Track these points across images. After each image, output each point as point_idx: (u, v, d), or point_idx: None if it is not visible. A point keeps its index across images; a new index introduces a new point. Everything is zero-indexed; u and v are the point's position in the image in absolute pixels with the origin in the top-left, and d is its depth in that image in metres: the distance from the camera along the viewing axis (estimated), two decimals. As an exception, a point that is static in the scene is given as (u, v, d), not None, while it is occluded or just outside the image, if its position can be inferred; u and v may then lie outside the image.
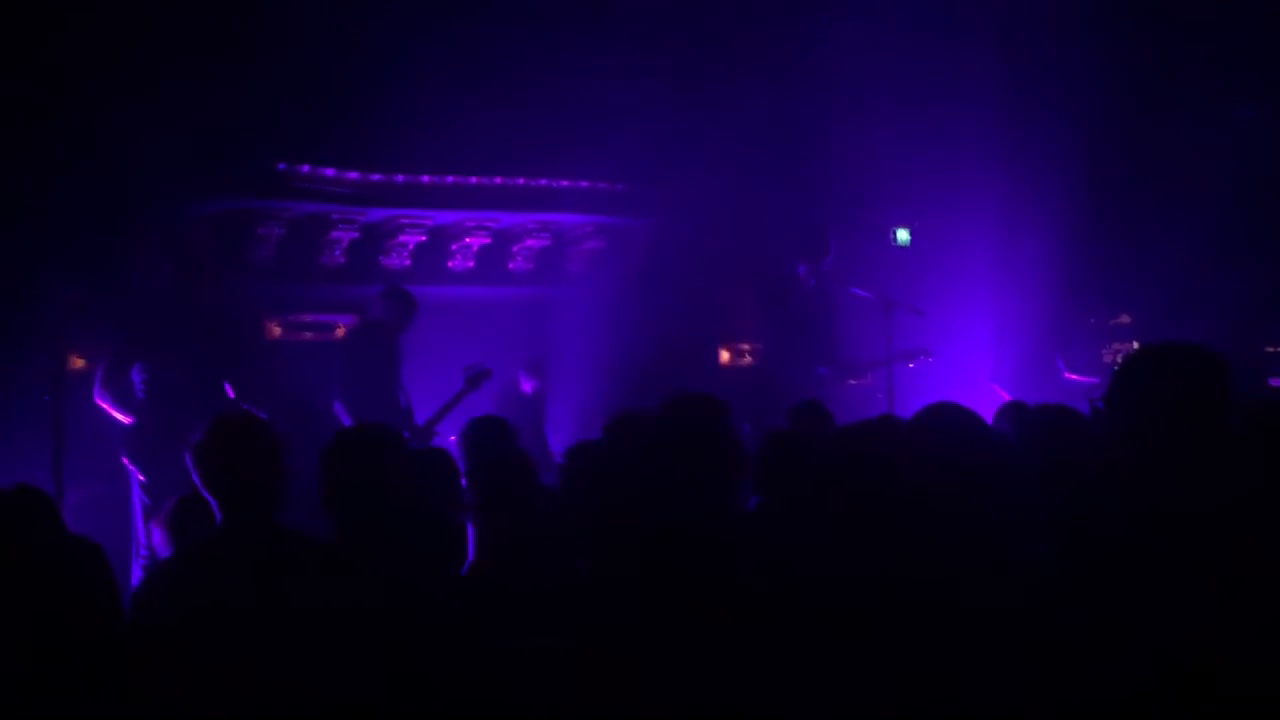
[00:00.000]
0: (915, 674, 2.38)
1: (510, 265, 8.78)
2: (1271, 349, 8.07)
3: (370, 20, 7.56)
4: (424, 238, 8.39)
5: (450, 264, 8.58)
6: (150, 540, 3.96)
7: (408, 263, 8.40)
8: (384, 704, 2.72)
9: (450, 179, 8.17)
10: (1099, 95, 8.46)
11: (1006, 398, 7.68)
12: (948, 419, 2.75)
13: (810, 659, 2.53)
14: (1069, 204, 8.41)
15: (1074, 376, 7.75)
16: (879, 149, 8.38)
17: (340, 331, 7.86)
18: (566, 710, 2.64)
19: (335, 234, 8.10)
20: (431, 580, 3.05)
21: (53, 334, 6.12)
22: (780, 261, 7.18)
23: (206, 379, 5.35)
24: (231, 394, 5.40)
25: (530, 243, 8.72)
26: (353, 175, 7.91)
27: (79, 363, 6.62)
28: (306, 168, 7.75)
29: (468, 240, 8.55)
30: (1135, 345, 8.36)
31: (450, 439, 6.90)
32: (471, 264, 8.64)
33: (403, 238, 8.32)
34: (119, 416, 5.32)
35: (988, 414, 3.93)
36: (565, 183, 8.45)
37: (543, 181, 8.40)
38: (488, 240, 8.60)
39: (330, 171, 7.84)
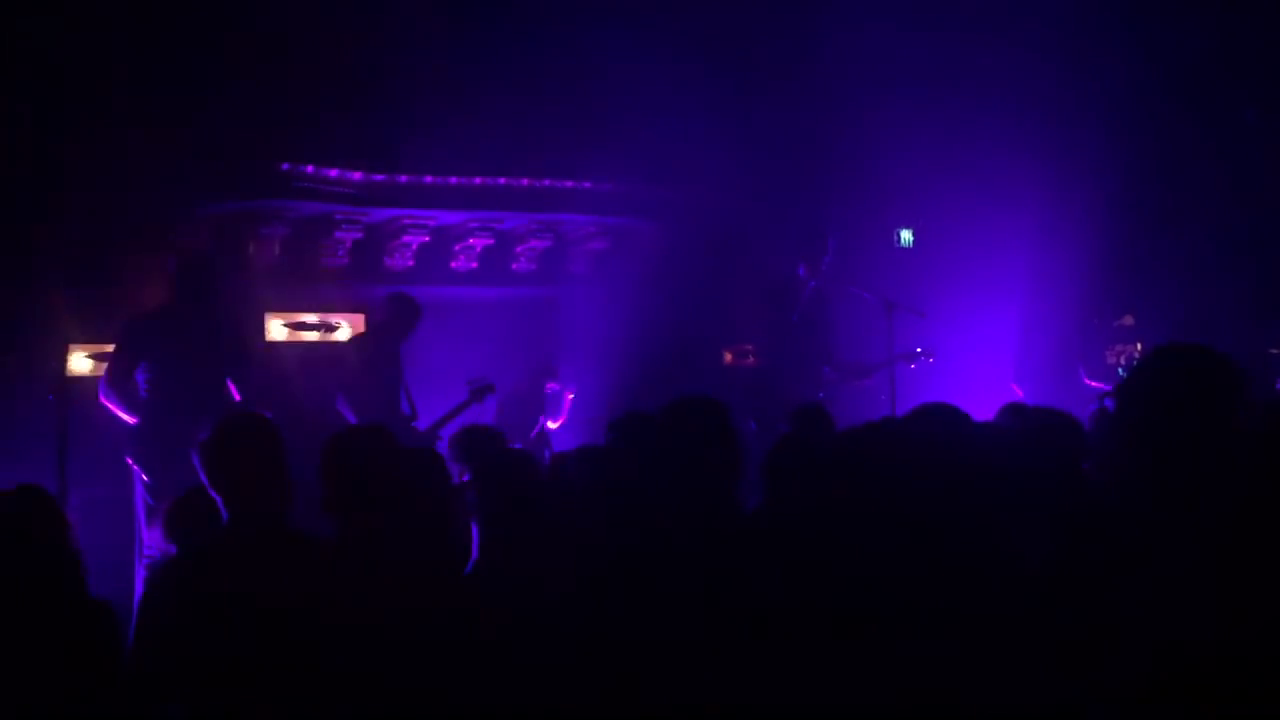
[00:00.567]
0: (916, 675, 2.38)
1: (513, 266, 8.78)
2: (1276, 350, 8.06)
3: (374, 21, 7.57)
4: (427, 238, 8.39)
5: (453, 264, 8.59)
6: (152, 541, 3.97)
7: (411, 263, 8.40)
8: (388, 703, 2.72)
9: (454, 179, 8.17)
10: (1104, 97, 8.46)
11: (1020, 394, 7.69)
12: (938, 419, 2.76)
13: (811, 659, 2.53)
14: (1073, 205, 8.41)
15: (1094, 383, 7.76)
16: (883, 150, 8.38)
17: (344, 332, 7.87)
18: (568, 709, 2.64)
19: (339, 234, 8.10)
20: (435, 579, 3.05)
21: (56, 335, 6.14)
22: (780, 262, 7.17)
23: (211, 379, 5.36)
24: (236, 395, 5.41)
25: (534, 243, 8.72)
26: (356, 175, 7.91)
27: (83, 363, 6.63)
28: (310, 168, 7.75)
29: (471, 241, 8.55)
30: (1139, 347, 8.35)
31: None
32: (475, 265, 8.64)
33: (406, 238, 8.33)
34: (124, 417, 5.33)
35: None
36: (569, 183, 8.44)
37: (546, 182, 8.40)
38: (491, 241, 8.60)
39: (334, 172, 7.84)
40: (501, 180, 8.29)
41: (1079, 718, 2.25)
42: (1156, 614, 2.20)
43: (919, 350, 6.95)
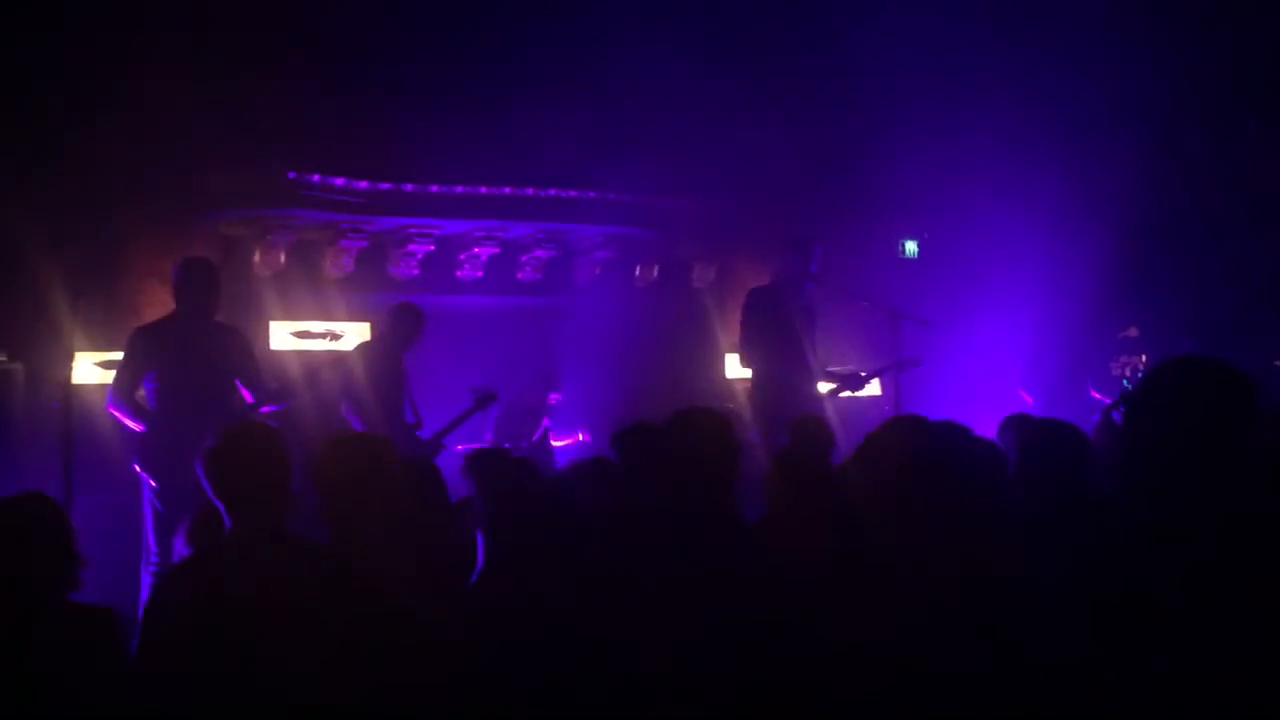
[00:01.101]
0: (913, 682, 2.38)
1: (519, 275, 8.80)
2: (1280, 363, 8.05)
3: (381, 30, 7.60)
4: (432, 247, 8.41)
5: (459, 273, 8.60)
6: (170, 551, 3.98)
7: (416, 272, 8.42)
8: (390, 712, 2.72)
9: (459, 188, 8.19)
10: (1110, 109, 8.47)
11: (1030, 402, 7.68)
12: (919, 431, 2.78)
13: (810, 663, 2.54)
14: (1077, 217, 8.42)
15: (1099, 396, 7.76)
16: (887, 162, 8.40)
17: (349, 340, 7.88)
18: (571, 715, 2.65)
19: (344, 243, 8.13)
20: (437, 589, 3.06)
21: (62, 342, 6.15)
22: (772, 269, 7.16)
23: (217, 388, 5.37)
24: (249, 398, 5.42)
25: (539, 253, 8.74)
26: (362, 184, 7.93)
27: (88, 371, 6.64)
28: (316, 177, 7.77)
29: (476, 250, 8.56)
30: (1143, 359, 8.35)
31: (458, 447, 6.93)
32: (480, 274, 8.66)
33: (411, 247, 8.34)
34: (131, 425, 5.34)
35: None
36: (574, 193, 8.47)
37: (551, 192, 8.42)
38: (496, 250, 8.61)
39: (340, 181, 7.86)
40: (507, 190, 8.31)
41: None
42: (1169, 627, 2.20)
43: (907, 359, 6.89)
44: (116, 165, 7.11)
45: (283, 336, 7.91)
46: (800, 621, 2.66)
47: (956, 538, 2.55)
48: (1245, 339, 7.78)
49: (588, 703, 2.70)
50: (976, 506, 2.61)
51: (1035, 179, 8.38)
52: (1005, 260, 8.56)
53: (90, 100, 7.03)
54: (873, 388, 8.23)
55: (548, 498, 3.40)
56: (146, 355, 5.34)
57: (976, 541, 2.56)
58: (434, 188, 8.11)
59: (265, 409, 5.40)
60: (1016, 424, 3.94)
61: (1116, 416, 5.10)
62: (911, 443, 2.70)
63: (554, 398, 7.94)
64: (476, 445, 7.47)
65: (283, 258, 7.94)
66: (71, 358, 5.87)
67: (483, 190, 8.24)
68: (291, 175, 7.67)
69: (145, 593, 4.95)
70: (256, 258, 7.86)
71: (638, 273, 9.09)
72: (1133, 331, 8.69)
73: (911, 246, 9.48)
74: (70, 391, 5.58)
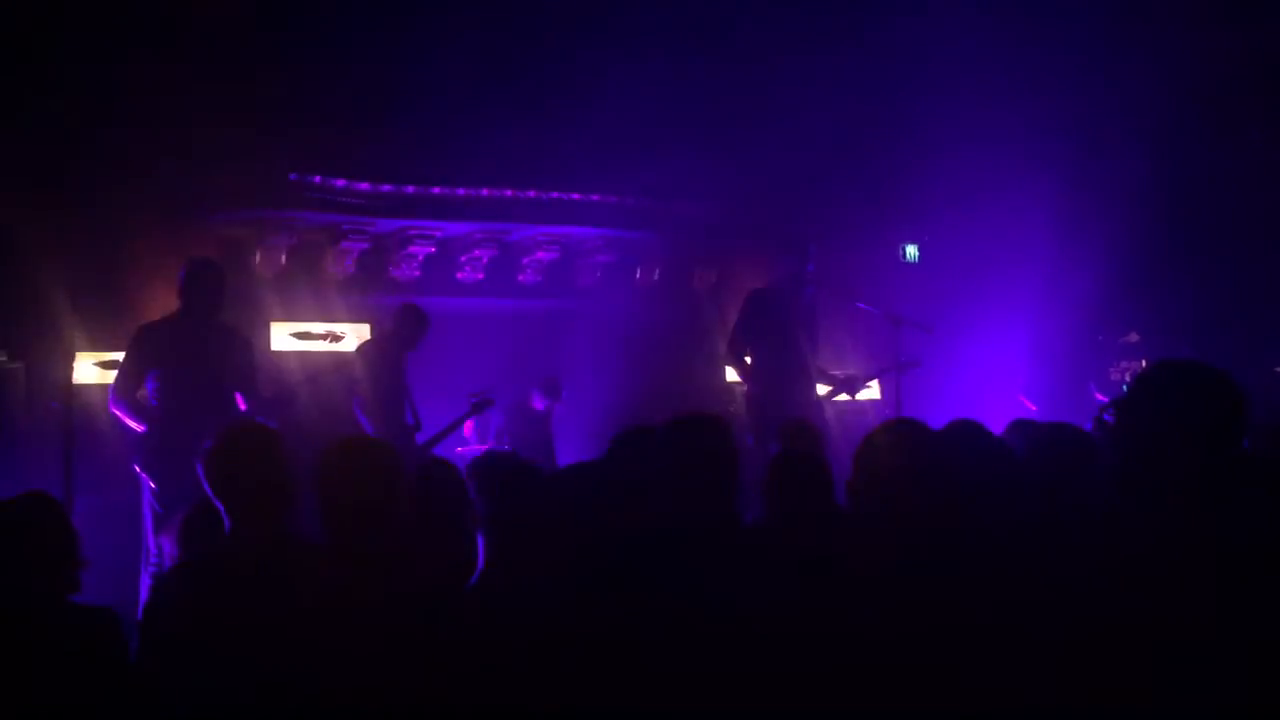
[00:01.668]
0: (913, 685, 2.39)
1: (519, 278, 8.80)
2: (1281, 369, 8.06)
3: (383, 33, 7.61)
4: (433, 249, 8.41)
5: (459, 275, 8.61)
6: (161, 549, 3.98)
7: (417, 274, 8.42)
8: (390, 712, 2.73)
9: (460, 191, 8.19)
10: (1113, 115, 8.47)
11: (1033, 409, 7.67)
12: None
13: (808, 668, 2.54)
14: (1078, 221, 8.42)
15: (1103, 398, 7.75)
16: (889, 166, 8.40)
17: (350, 342, 7.88)
18: (569, 719, 2.65)
19: (345, 244, 8.13)
20: (438, 590, 3.06)
21: (63, 343, 6.16)
22: (770, 273, 7.17)
23: (219, 388, 5.37)
24: (243, 405, 5.42)
25: (540, 255, 8.74)
26: (363, 186, 7.94)
27: (89, 371, 6.65)
28: (318, 178, 7.78)
29: (477, 252, 8.57)
30: (1144, 364, 8.35)
31: (457, 451, 6.94)
32: (481, 276, 8.66)
33: (412, 249, 8.35)
34: (133, 425, 5.34)
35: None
36: (576, 196, 8.47)
37: (553, 194, 8.43)
38: (497, 252, 8.62)
39: (341, 182, 7.87)
40: (508, 192, 8.32)
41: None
42: (1156, 627, 2.21)
43: (905, 361, 6.87)
44: (118, 165, 7.12)
45: (283, 337, 7.91)
46: (799, 624, 2.66)
47: (960, 540, 2.56)
48: (1246, 345, 7.78)
49: (588, 705, 2.70)
50: (979, 509, 2.62)
51: (1037, 183, 8.39)
52: (1006, 264, 8.56)
53: (92, 100, 7.03)
54: (873, 391, 8.24)
55: (547, 500, 3.41)
56: (149, 354, 5.35)
57: (981, 543, 2.57)
58: (435, 189, 8.12)
59: (259, 418, 5.40)
60: (1021, 428, 3.94)
61: (1108, 418, 5.10)
62: (910, 444, 2.71)
63: (539, 403, 7.92)
64: (483, 449, 7.50)
65: (284, 259, 7.94)
66: (72, 358, 5.89)
67: (484, 192, 8.25)
68: (293, 176, 7.68)
69: (145, 594, 4.96)
70: (257, 258, 7.87)
71: (638, 276, 9.10)
72: (1133, 337, 8.70)
73: (912, 250, 9.48)
74: (71, 391, 5.59)
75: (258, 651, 2.66)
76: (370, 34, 7.61)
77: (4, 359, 6.65)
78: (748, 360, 6.73)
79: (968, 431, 2.97)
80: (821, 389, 6.80)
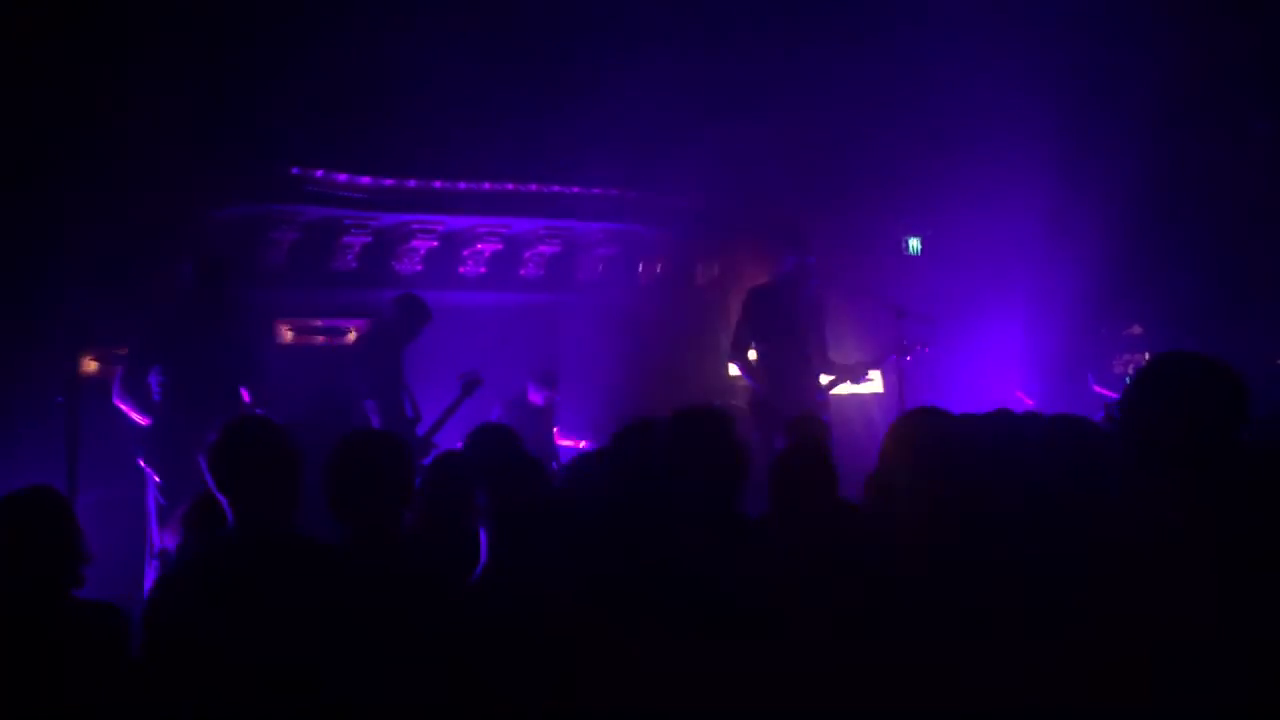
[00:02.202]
0: (916, 675, 2.39)
1: (522, 271, 8.80)
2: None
3: (384, 26, 7.59)
4: (436, 243, 8.41)
5: (462, 269, 8.61)
6: (164, 543, 3.99)
7: (419, 268, 8.43)
8: (393, 708, 2.73)
9: (462, 184, 8.19)
10: (1114, 107, 8.46)
11: (1031, 404, 7.66)
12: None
13: (812, 663, 2.54)
14: (1082, 215, 8.41)
15: (1101, 390, 7.72)
16: (892, 158, 8.39)
17: (353, 336, 7.89)
18: (572, 714, 2.65)
19: (348, 239, 8.13)
20: (442, 584, 3.07)
21: (67, 336, 6.16)
22: (771, 268, 7.17)
23: (222, 382, 5.38)
24: (247, 397, 5.43)
25: (542, 249, 8.74)
26: (365, 180, 7.94)
27: (92, 365, 6.65)
28: (320, 172, 7.78)
29: (479, 246, 8.57)
30: (1147, 356, 8.34)
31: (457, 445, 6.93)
32: (483, 269, 8.66)
33: (415, 243, 8.35)
34: (137, 418, 5.36)
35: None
36: (578, 189, 8.47)
37: (555, 188, 8.42)
38: (499, 246, 8.62)
39: (343, 176, 7.87)
40: (510, 185, 8.31)
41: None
42: (1160, 619, 2.21)
43: (909, 343, 6.85)
44: (120, 160, 7.11)
45: (286, 332, 7.92)
46: (804, 619, 2.66)
47: (980, 533, 2.56)
48: (1249, 337, 7.77)
49: (590, 701, 2.71)
50: (1004, 502, 2.62)
51: (1039, 176, 8.38)
52: (1010, 257, 8.56)
53: (93, 95, 7.03)
54: (876, 385, 8.24)
55: (550, 494, 3.41)
56: (154, 348, 5.36)
57: (999, 536, 2.57)
58: (437, 183, 8.12)
59: (260, 411, 5.41)
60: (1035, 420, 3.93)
61: (1116, 413, 5.09)
62: (940, 434, 2.70)
63: (536, 396, 7.88)
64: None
65: (286, 253, 7.95)
66: (76, 352, 5.89)
67: (486, 186, 8.25)
68: (295, 171, 7.68)
69: (149, 588, 4.97)
70: (260, 253, 7.87)
71: (640, 269, 9.10)
72: (1137, 329, 8.69)
73: (915, 243, 9.47)
74: (75, 386, 5.60)
75: (261, 646, 2.66)
76: (372, 28, 7.60)
77: (9, 353, 6.65)
78: (751, 356, 6.74)
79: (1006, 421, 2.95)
80: (824, 378, 6.80)
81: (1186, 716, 2.14)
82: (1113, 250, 8.21)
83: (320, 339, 7.99)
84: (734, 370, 7.17)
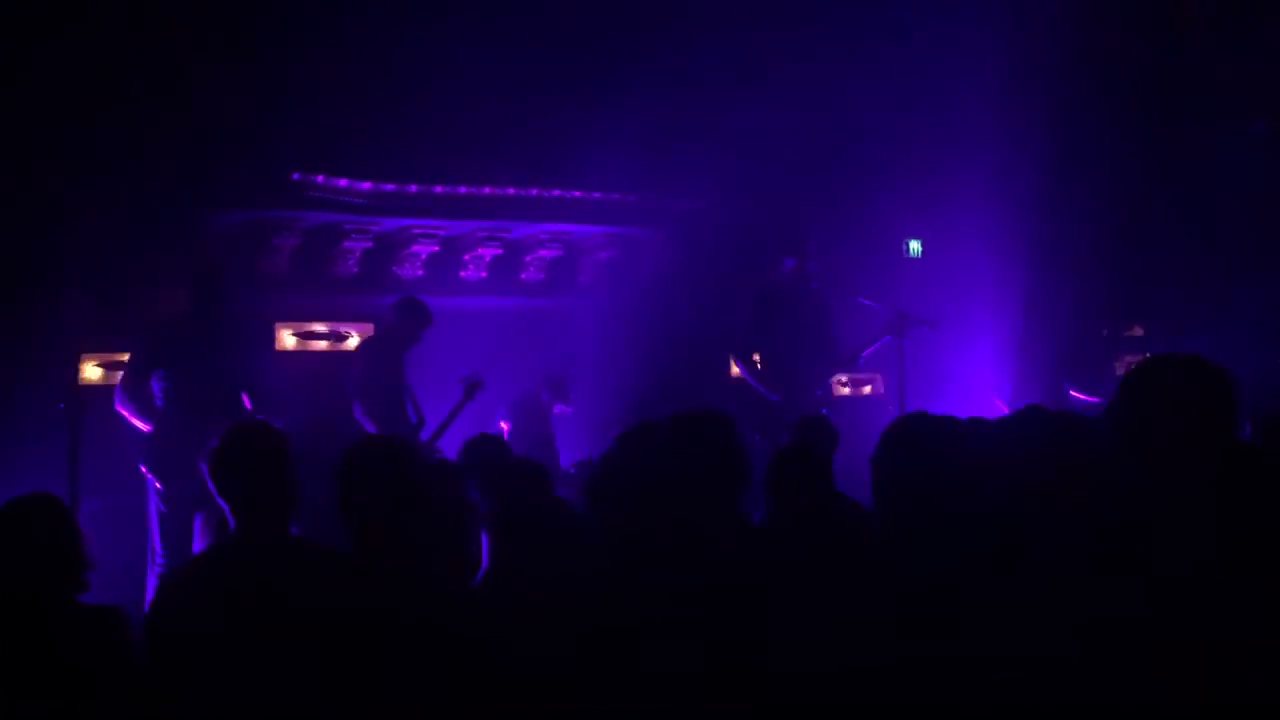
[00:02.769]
0: (920, 676, 2.39)
1: (522, 275, 8.80)
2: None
3: (384, 31, 7.60)
4: (436, 248, 8.41)
5: (463, 274, 8.61)
6: (172, 553, 3.98)
7: (420, 273, 8.43)
8: (395, 711, 2.73)
9: (463, 189, 8.19)
10: (1114, 109, 8.46)
11: (1006, 410, 7.63)
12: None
13: (812, 665, 2.54)
14: (1083, 216, 8.41)
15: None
16: (892, 161, 8.39)
17: (354, 341, 7.89)
18: (574, 716, 2.65)
19: (348, 244, 8.13)
20: (444, 590, 3.07)
21: (69, 343, 6.17)
22: (767, 263, 7.18)
23: (223, 388, 5.38)
24: (248, 403, 5.43)
25: (543, 253, 8.74)
26: (366, 185, 7.94)
27: (95, 371, 6.65)
28: (320, 178, 7.78)
29: (480, 250, 8.57)
30: (1147, 357, 8.30)
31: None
32: (484, 274, 8.66)
33: (415, 248, 8.35)
34: (138, 425, 5.36)
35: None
36: (578, 193, 8.47)
37: (556, 192, 8.42)
38: (500, 250, 8.62)
39: (344, 181, 7.87)
40: (511, 190, 8.31)
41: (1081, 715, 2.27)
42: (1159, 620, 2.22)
43: (919, 319, 6.79)
44: (121, 165, 7.11)
45: (287, 338, 7.92)
46: (804, 624, 2.66)
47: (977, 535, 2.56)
48: (1254, 340, 7.76)
49: (593, 706, 2.70)
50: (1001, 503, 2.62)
51: (1039, 178, 8.38)
52: (1007, 262, 8.55)
53: (94, 100, 7.03)
54: (876, 386, 8.24)
55: (553, 499, 3.41)
56: (155, 354, 5.37)
57: (999, 536, 2.57)
58: (438, 188, 8.12)
59: (261, 417, 5.41)
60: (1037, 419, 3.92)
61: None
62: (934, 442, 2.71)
63: (548, 399, 7.90)
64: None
65: (287, 259, 7.95)
66: (78, 359, 5.90)
67: (486, 191, 8.25)
68: (295, 176, 7.68)
69: (151, 594, 4.97)
70: (261, 259, 7.87)
71: (641, 273, 9.10)
72: (1138, 331, 8.68)
73: (916, 246, 9.46)
74: (77, 392, 5.60)
75: (262, 652, 2.66)
76: (372, 32, 7.60)
77: (10, 359, 6.66)
78: (755, 358, 6.75)
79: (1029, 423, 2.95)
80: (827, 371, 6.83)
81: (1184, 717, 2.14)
82: (1118, 250, 8.21)
83: (322, 344, 7.99)
84: (736, 372, 7.18)
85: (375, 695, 2.69)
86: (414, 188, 8.06)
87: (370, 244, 8.20)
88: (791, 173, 8.38)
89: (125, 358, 5.54)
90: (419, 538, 3.01)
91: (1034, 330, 8.02)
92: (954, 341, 7.85)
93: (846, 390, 8.62)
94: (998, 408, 7.62)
